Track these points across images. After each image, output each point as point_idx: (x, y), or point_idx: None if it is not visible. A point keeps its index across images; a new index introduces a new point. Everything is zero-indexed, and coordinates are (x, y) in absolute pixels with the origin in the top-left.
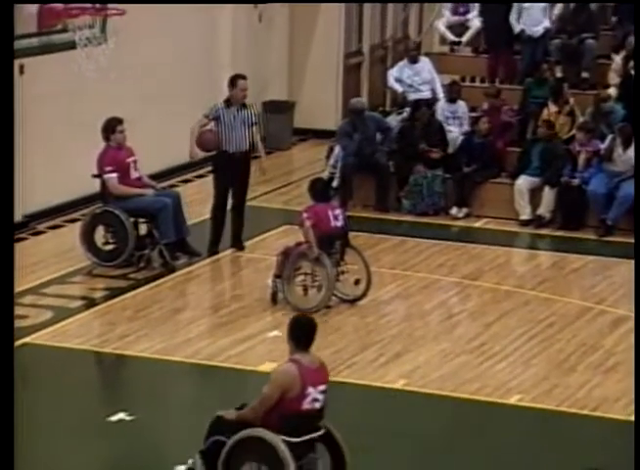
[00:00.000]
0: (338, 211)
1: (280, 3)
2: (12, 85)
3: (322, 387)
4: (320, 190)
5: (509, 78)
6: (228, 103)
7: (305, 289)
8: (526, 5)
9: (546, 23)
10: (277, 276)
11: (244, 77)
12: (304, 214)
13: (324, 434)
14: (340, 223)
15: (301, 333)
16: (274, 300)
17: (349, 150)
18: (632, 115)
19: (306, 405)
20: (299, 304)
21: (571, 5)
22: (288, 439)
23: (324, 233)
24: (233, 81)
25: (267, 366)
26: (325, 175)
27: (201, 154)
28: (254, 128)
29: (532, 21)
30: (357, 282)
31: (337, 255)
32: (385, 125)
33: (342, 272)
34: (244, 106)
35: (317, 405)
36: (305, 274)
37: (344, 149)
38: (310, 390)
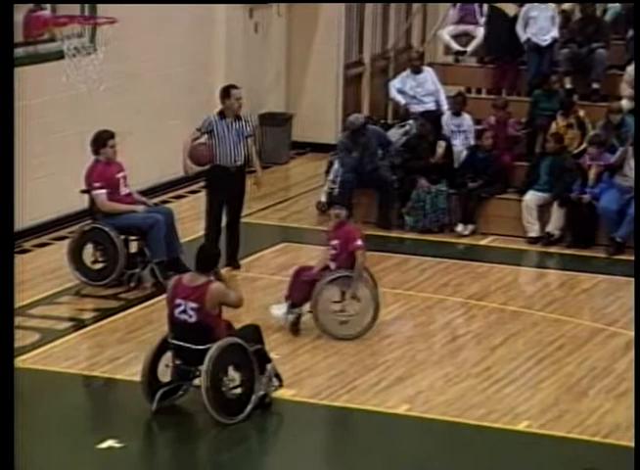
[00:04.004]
0: None
1: (277, 13)
2: (12, 101)
3: (193, 304)
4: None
5: (515, 90)
6: (222, 115)
7: (342, 315)
8: (534, 14)
9: (554, 33)
10: (287, 298)
11: (236, 87)
12: (359, 242)
13: (199, 352)
14: None
15: (197, 256)
16: (295, 330)
17: (348, 165)
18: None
19: (177, 314)
20: (335, 331)
21: (580, 15)
22: (168, 337)
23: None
24: (226, 91)
25: None
26: (325, 190)
27: (195, 168)
28: (250, 141)
29: (540, 30)
30: None
31: None
32: (385, 140)
33: None
34: (238, 117)
35: (189, 319)
36: (338, 302)
37: (343, 165)
38: (179, 301)
